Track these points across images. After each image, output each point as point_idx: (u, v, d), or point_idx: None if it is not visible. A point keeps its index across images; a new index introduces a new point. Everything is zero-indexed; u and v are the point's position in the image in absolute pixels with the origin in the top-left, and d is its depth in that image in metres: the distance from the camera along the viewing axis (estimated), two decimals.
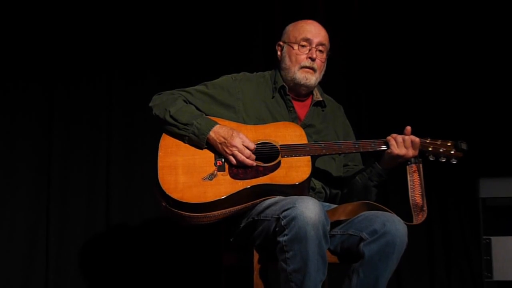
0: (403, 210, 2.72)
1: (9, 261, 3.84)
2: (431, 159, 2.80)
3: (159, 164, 2.74)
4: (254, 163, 2.68)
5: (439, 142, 2.80)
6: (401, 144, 2.77)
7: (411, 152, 2.76)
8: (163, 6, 4.26)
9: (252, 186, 2.68)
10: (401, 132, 2.78)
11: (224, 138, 2.69)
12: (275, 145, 2.75)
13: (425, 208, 2.75)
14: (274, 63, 3.05)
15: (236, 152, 2.66)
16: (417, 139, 2.77)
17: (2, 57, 3.98)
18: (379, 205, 2.73)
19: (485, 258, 2.92)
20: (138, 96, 3.53)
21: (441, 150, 2.79)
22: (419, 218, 2.73)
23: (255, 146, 2.71)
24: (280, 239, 2.45)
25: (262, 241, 2.66)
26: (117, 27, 4.20)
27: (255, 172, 2.70)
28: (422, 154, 2.79)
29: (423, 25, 4.75)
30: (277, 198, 2.64)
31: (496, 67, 4.75)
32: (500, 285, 3.26)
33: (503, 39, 4.79)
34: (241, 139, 2.68)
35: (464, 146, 2.78)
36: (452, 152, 2.79)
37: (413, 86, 4.62)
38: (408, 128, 2.79)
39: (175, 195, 2.65)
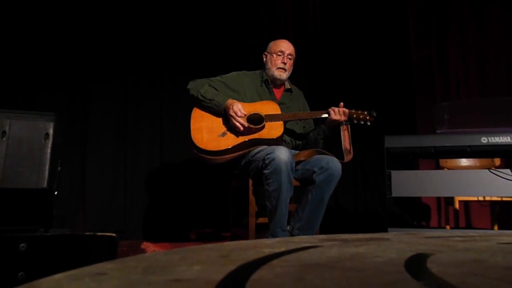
0: (338, 153, 2.75)
1: (103, 184, 3.84)
2: (355, 122, 2.86)
3: (191, 127, 2.78)
4: (245, 124, 2.71)
5: (359, 112, 2.86)
6: (337, 113, 2.81)
7: (343, 118, 2.81)
8: (195, 39, 4.24)
9: (248, 140, 2.73)
10: (337, 105, 2.82)
11: (229, 105, 2.72)
12: (261, 115, 2.77)
13: (351, 151, 2.80)
14: (261, 65, 3.06)
15: (233, 116, 2.70)
16: (346, 110, 2.82)
17: (96, 63, 3.95)
18: (324, 151, 2.77)
19: (387, 183, 2.95)
20: (179, 87, 3.52)
21: (361, 117, 2.84)
22: (347, 158, 2.78)
23: (245, 113, 2.73)
24: (265, 171, 2.52)
25: (254, 173, 2.71)
26: (169, 49, 4.17)
27: (249, 131, 2.74)
28: (349, 119, 2.83)
29: (346, 45, 4.73)
30: (263, 147, 2.68)
31: (394, 68, 4.75)
32: (395, 199, 3.32)
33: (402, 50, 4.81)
34: (237, 107, 2.71)
35: (374, 114, 2.85)
36: (368, 118, 2.85)
37: (344, 77, 4.62)
38: (341, 103, 2.83)
39: (201, 146, 2.71)
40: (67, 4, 3.90)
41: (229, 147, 2.72)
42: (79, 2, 3.94)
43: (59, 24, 3.87)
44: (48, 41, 3.82)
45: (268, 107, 2.83)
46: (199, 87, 2.83)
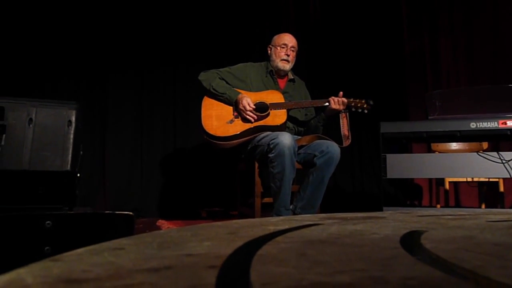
0: (338, 139, 2.74)
1: (121, 166, 3.87)
2: (353, 110, 2.83)
3: (202, 114, 2.77)
4: (254, 116, 2.70)
5: (357, 100, 2.83)
6: (336, 102, 2.79)
7: (341, 107, 2.79)
8: (205, 33, 4.23)
9: (254, 126, 2.72)
10: (336, 95, 2.79)
11: (239, 100, 2.71)
12: (266, 103, 2.76)
13: (349, 137, 2.78)
14: (266, 57, 3.03)
15: (243, 109, 2.69)
16: (345, 100, 2.80)
17: (115, 54, 3.96)
18: (324, 136, 2.76)
19: (382, 166, 2.94)
20: (191, 76, 3.52)
21: (358, 105, 2.82)
22: (346, 143, 2.77)
23: (254, 106, 2.72)
24: (270, 155, 2.52)
25: (260, 156, 2.71)
26: (181, 41, 4.16)
27: (255, 118, 2.72)
28: (348, 107, 2.81)
29: (344, 37, 4.68)
30: (268, 132, 2.67)
31: (387, 64, 4.71)
32: (390, 180, 3.31)
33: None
34: (246, 101, 2.69)
35: (371, 102, 2.82)
36: (365, 106, 2.83)
37: (342, 67, 4.58)
38: (340, 93, 2.81)
39: (211, 132, 2.71)
40: (87, 1, 3.89)
41: (237, 133, 2.71)
42: None
43: (81, 19, 3.88)
44: (71, 34, 3.84)
45: (273, 96, 2.81)
46: (211, 79, 2.81)
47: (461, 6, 4.74)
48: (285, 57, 2.92)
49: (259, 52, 3.83)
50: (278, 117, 2.75)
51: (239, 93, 2.77)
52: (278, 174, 2.50)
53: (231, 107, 2.77)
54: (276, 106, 2.76)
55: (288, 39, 2.97)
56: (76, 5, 3.86)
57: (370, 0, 4.76)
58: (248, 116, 2.70)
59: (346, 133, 2.79)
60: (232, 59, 3.11)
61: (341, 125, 2.80)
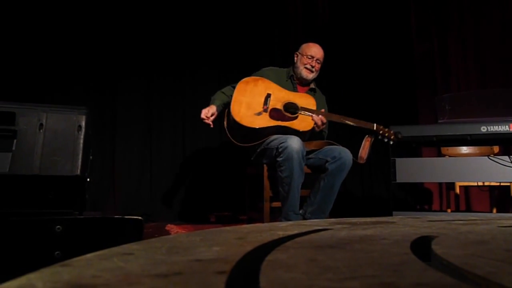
0: (353, 151, 2.71)
1: (131, 171, 3.87)
2: (379, 138, 2.75)
3: (233, 98, 2.74)
4: (207, 117, 2.75)
5: (386, 130, 2.75)
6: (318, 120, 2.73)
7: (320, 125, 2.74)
8: (213, 37, 4.23)
9: (278, 125, 2.69)
10: (343, 99, 2.77)
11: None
12: (298, 105, 2.73)
13: (365, 159, 2.72)
14: (291, 63, 3.04)
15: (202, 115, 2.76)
16: (324, 119, 2.73)
17: (124, 60, 3.97)
18: (334, 142, 2.75)
19: (392, 170, 2.92)
20: (199, 80, 3.53)
21: (386, 134, 2.74)
22: (360, 162, 2.72)
23: (210, 117, 2.76)
24: (278, 159, 2.52)
25: (269, 160, 2.71)
26: (189, 46, 4.15)
27: (283, 117, 2.70)
28: (375, 134, 2.74)
29: (352, 40, 4.67)
30: (277, 136, 2.66)
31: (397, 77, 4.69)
32: (399, 184, 3.29)
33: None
34: (206, 110, 2.78)
35: (400, 136, 2.74)
36: (392, 137, 2.75)
37: (350, 71, 4.56)
38: (322, 110, 2.79)
39: (237, 118, 2.66)
40: (96, 8, 3.93)
41: (262, 126, 2.66)
42: (108, 6, 3.96)
43: (91, 26, 3.90)
44: (81, 41, 3.86)
45: (306, 101, 2.78)
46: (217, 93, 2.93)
47: (470, 8, 4.72)
48: (309, 67, 2.91)
49: (268, 58, 3.84)
50: (305, 122, 2.71)
51: (218, 105, 2.82)
52: (286, 178, 2.50)
53: (262, 99, 2.74)
54: (306, 111, 2.73)
55: (316, 51, 2.95)
56: (86, 12, 3.89)
57: (379, 3, 4.75)
58: (202, 115, 2.75)
59: (363, 156, 2.71)
60: (240, 64, 3.12)
61: (361, 146, 2.73)
